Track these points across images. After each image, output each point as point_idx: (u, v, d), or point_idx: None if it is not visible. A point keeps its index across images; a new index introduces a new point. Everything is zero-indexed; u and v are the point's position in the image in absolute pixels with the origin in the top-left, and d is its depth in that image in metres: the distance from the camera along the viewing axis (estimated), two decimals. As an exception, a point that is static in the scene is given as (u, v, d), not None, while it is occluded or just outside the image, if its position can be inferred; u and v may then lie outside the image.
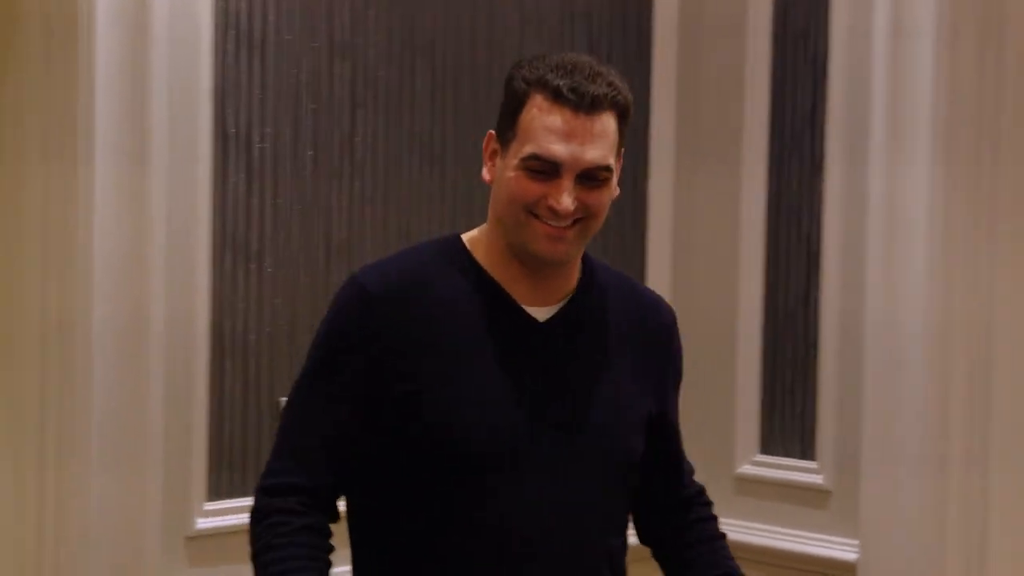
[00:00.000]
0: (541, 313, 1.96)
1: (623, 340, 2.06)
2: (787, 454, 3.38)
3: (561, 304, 1.98)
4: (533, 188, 1.86)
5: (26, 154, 2.53)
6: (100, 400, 2.52)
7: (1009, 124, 3.13)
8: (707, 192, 3.32)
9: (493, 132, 1.94)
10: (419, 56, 2.98)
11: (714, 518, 2.18)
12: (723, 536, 2.16)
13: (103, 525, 2.53)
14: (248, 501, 2.57)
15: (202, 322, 2.65)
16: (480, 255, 1.98)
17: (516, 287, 1.96)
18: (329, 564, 1.92)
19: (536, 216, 1.87)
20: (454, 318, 1.95)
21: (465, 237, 2.02)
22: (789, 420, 3.35)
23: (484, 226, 2.00)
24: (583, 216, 1.87)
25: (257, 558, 1.90)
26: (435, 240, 2.08)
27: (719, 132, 3.24)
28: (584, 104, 1.86)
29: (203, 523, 2.65)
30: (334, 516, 1.96)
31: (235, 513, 2.67)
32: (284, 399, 2.60)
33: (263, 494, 1.92)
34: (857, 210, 3.20)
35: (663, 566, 2.14)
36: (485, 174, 1.95)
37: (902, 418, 3.07)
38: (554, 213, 1.86)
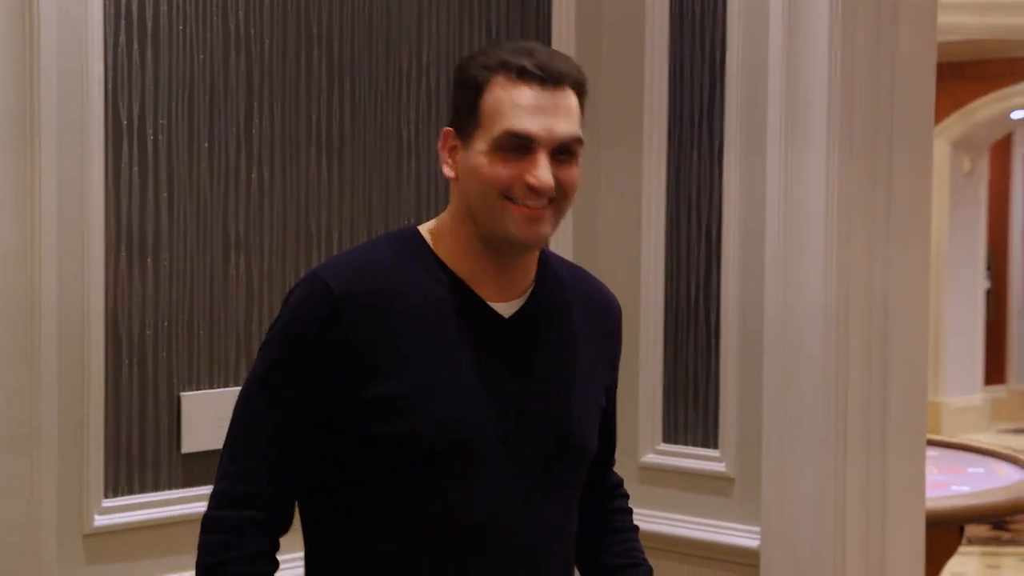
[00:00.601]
0: (505, 309, 1.97)
1: (582, 332, 2.07)
2: (690, 443, 3.32)
3: (523, 298, 1.99)
4: (507, 170, 1.85)
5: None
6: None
7: (904, 112, 3.20)
8: (608, 182, 3.32)
9: (450, 128, 1.92)
10: (316, 48, 2.94)
11: (630, 511, 2.23)
12: (636, 528, 2.21)
13: (-3, 524, 2.48)
14: (148, 497, 2.76)
15: (97, 317, 2.60)
16: (442, 251, 1.96)
17: (480, 283, 1.96)
18: None
19: (511, 200, 1.85)
20: (420, 318, 1.94)
21: (424, 230, 1.99)
22: (692, 408, 3.31)
23: (443, 219, 1.98)
24: (556, 196, 1.87)
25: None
26: (393, 235, 2.07)
27: (620, 122, 3.25)
28: (550, 79, 1.86)
29: (101, 520, 2.60)
30: (288, 518, 1.95)
31: (135, 510, 2.69)
32: (185, 394, 2.81)
33: (219, 501, 1.91)
34: (756, 198, 3.17)
35: (575, 549, 2.18)
36: (447, 171, 1.93)
37: (801, 405, 3.09)
38: (532, 191, 1.85)
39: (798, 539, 3.05)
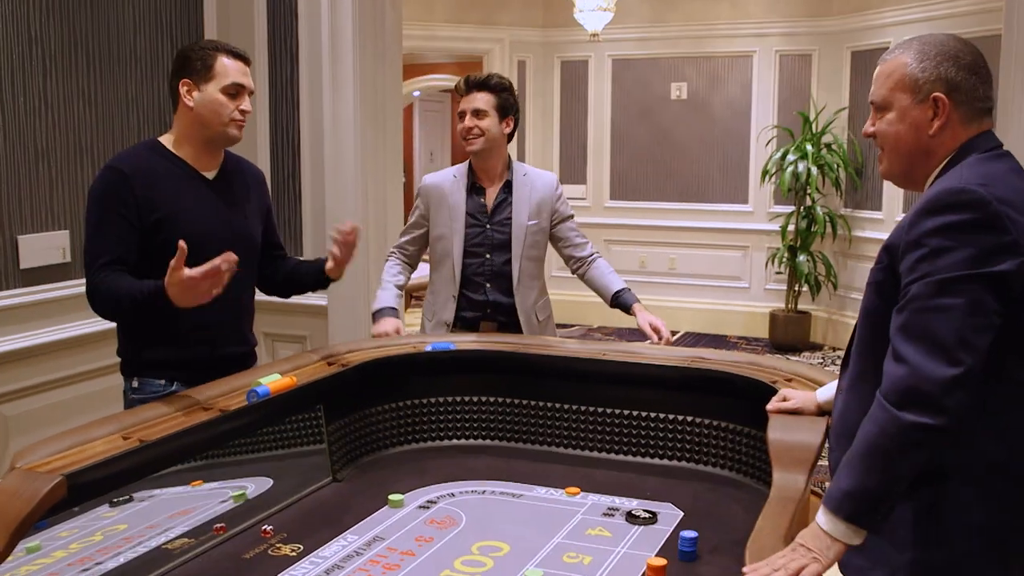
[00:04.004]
0: (210, 175, 2.60)
1: (251, 187, 2.72)
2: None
3: (218, 169, 2.61)
4: (231, 103, 2.48)
5: None
6: None
7: (390, 88, 4.33)
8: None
9: (188, 80, 2.48)
10: (80, 43, 3.63)
11: (292, 259, 2.90)
12: (302, 262, 2.91)
13: None
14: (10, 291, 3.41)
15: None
16: (175, 147, 2.54)
17: (197, 162, 2.55)
18: None
19: (232, 119, 2.49)
20: (167, 180, 2.48)
21: (161, 140, 2.54)
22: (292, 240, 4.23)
23: (174, 132, 2.54)
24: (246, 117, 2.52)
25: (116, 292, 2.35)
26: (145, 142, 2.57)
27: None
28: (246, 59, 2.55)
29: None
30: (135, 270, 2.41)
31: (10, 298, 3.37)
32: (20, 236, 3.40)
33: (98, 276, 2.40)
34: (316, 113, 4.13)
35: (269, 286, 2.85)
36: (189, 103, 2.49)
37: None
38: (244, 113, 2.51)
39: (349, 300, 4.18)
